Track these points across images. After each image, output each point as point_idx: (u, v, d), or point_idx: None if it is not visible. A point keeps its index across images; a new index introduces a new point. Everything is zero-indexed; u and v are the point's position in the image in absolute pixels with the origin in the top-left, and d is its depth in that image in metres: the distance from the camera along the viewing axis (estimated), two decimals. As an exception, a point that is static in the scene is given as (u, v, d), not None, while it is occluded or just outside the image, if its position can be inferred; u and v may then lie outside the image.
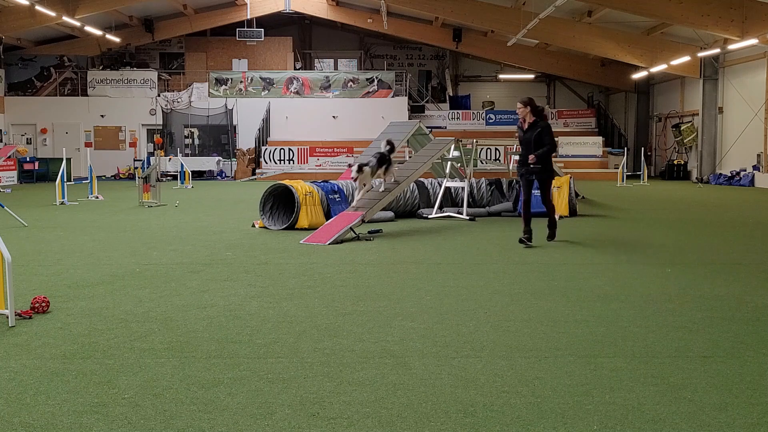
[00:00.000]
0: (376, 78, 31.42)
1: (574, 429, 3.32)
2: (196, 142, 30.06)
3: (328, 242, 9.37)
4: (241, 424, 3.37)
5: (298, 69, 33.71)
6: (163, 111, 30.07)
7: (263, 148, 28.93)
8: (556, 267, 7.73)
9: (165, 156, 27.18)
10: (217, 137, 30.08)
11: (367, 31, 33.93)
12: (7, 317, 5.05)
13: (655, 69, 26.83)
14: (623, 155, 26.80)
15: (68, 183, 18.58)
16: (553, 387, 3.87)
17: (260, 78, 31.17)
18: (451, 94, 35.73)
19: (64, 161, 16.89)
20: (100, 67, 31.81)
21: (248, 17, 30.96)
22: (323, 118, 30.56)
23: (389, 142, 11.19)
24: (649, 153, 31.64)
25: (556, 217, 12.76)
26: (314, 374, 4.07)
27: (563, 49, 30.83)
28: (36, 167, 26.72)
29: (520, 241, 9.23)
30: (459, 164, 14.12)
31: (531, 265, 7.88)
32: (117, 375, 4.05)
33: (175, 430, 3.31)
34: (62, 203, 15.88)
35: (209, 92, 30.73)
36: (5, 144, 28.32)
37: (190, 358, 4.37)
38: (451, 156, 13.44)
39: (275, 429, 3.32)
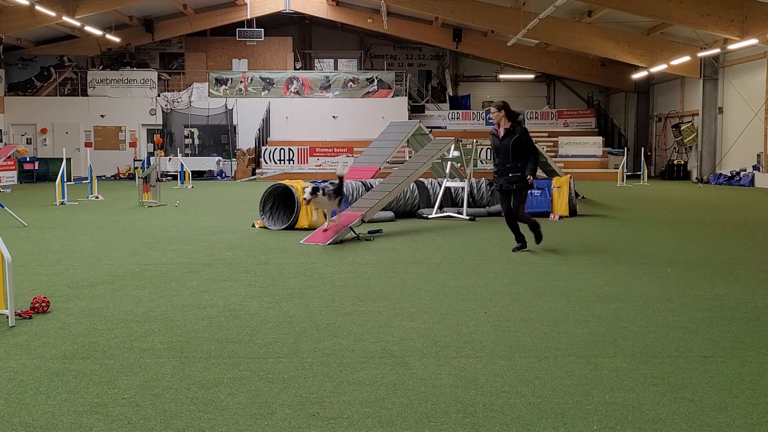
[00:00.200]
0: (376, 78, 31.42)
1: (574, 429, 3.32)
2: (196, 142, 30.05)
3: (328, 242, 9.37)
4: (241, 424, 3.37)
5: (298, 69, 33.71)
6: (163, 111, 30.07)
7: (263, 148, 28.93)
8: (556, 267, 7.73)
9: (165, 156, 27.18)
10: (217, 137, 30.08)
11: (367, 31, 33.93)
12: (7, 317, 5.05)
13: (655, 69, 26.83)
14: (623, 155, 26.80)
15: (68, 183, 18.58)
16: (553, 387, 3.87)
17: (260, 78, 31.17)
18: (451, 94, 35.72)
19: (64, 161, 16.89)
20: (100, 67, 31.81)
21: (248, 17, 30.96)
22: (323, 118, 30.56)
23: (340, 179, 9.97)
24: (649, 153, 31.64)
25: (554, 217, 12.80)
26: (314, 374, 4.07)
27: (563, 49, 30.82)
28: (36, 167, 26.71)
29: (514, 250, 8.75)
30: (459, 164, 14.13)
31: (531, 265, 7.88)
32: (117, 375, 4.05)
33: (175, 430, 3.31)
34: (62, 203, 15.88)
35: (209, 92, 30.72)
36: (5, 144, 28.32)
37: (190, 358, 4.37)
38: (451, 156, 13.44)
39: (275, 429, 3.32)
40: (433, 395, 3.74)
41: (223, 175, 28.92)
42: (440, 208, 12.96)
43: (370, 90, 31.25)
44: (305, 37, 36.82)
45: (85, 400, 3.65)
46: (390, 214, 12.33)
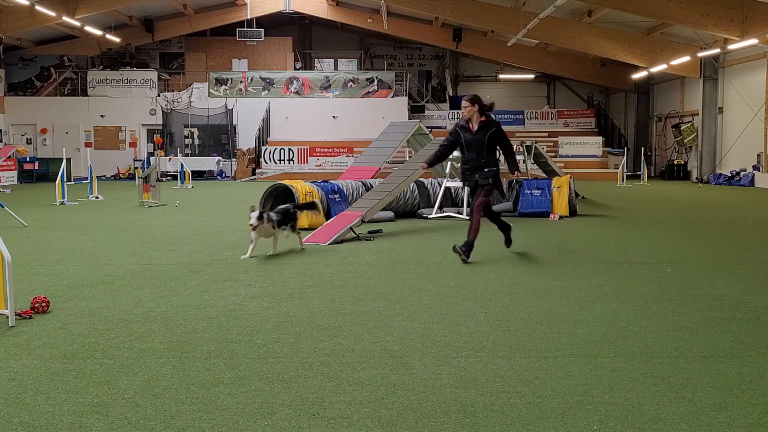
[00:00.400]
0: (376, 78, 31.43)
1: (574, 429, 3.32)
2: (196, 142, 30.07)
3: (328, 242, 9.37)
4: (241, 424, 3.37)
5: (298, 69, 33.71)
6: (163, 111, 30.08)
7: (263, 148, 28.94)
8: (556, 267, 7.73)
9: (165, 156, 27.19)
10: (217, 137, 30.09)
11: (367, 31, 33.94)
12: (7, 317, 5.05)
13: (655, 69, 26.83)
14: (623, 155, 26.81)
15: (68, 183, 18.59)
16: (553, 387, 3.87)
17: (260, 78, 31.18)
18: (451, 94, 35.73)
19: (64, 161, 16.89)
20: (100, 67, 31.82)
21: (248, 17, 30.98)
22: (323, 118, 30.57)
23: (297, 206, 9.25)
24: (649, 153, 31.66)
25: (554, 217, 12.79)
26: (314, 374, 4.07)
27: (563, 49, 30.83)
28: (36, 167, 26.73)
29: (507, 244, 8.66)
30: (459, 164, 14.12)
31: (531, 265, 7.88)
32: (117, 375, 4.05)
33: (175, 430, 3.31)
34: (62, 203, 15.88)
35: (209, 92, 30.73)
36: (5, 144, 28.33)
37: (190, 358, 4.37)
38: (451, 156, 13.42)
39: (275, 429, 3.32)
40: (433, 395, 3.74)
41: (223, 175, 28.93)
42: (440, 208, 12.96)
43: (370, 90, 31.26)
44: (305, 37, 36.82)
45: (85, 400, 3.65)
46: (390, 214, 12.33)
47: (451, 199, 13.65)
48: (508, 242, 8.74)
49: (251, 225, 8.20)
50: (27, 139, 30.50)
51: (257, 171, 28.57)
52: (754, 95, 24.20)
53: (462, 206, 13.00)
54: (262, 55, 33.53)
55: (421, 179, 13.54)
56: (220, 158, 29.40)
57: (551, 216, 12.86)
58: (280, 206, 8.91)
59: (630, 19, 24.78)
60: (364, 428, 3.33)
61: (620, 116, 34.87)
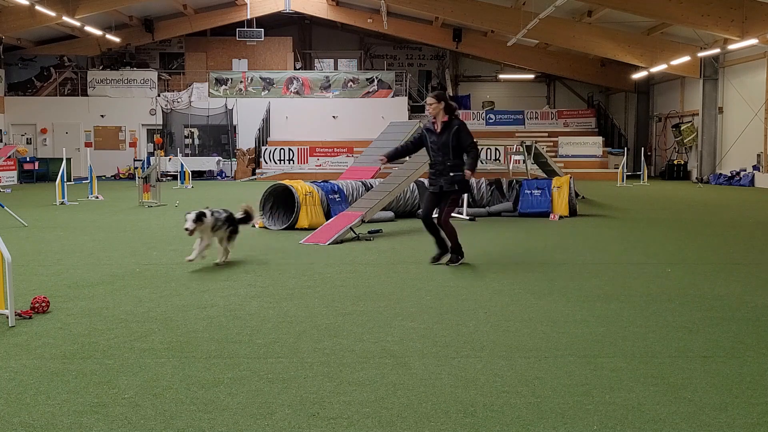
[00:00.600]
0: (376, 78, 31.43)
1: (574, 429, 3.32)
2: (196, 142, 30.07)
3: (328, 242, 9.37)
4: (241, 424, 3.37)
5: (298, 69, 33.71)
6: (163, 111, 30.07)
7: (263, 148, 28.94)
8: (556, 267, 7.73)
9: (165, 156, 27.19)
10: (217, 137, 30.09)
11: (367, 31, 33.93)
12: (7, 317, 5.05)
13: (655, 69, 26.83)
14: (623, 155, 26.81)
15: (68, 183, 18.59)
16: (553, 387, 3.87)
17: (260, 78, 31.18)
18: (451, 94, 35.73)
19: (64, 161, 16.89)
20: (100, 67, 31.81)
21: (248, 17, 30.97)
22: (323, 118, 30.57)
23: (246, 211, 8.30)
24: (649, 153, 31.65)
25: (554, 217, 12.79)
26: (314, 374, 4.07)
27: (563, 49, 30.83)
28: (36, 167, 26.72)
29: (433, 261, 7.76)
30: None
31: (531, 265, 7.88)
32: (117, 375, 4.05)
33: (175, 430, 3.31)
34: (62, 203, 15.88)
35: (209, 92, 30.73)
36: (5, 144, 28.32)
37: (190, 358, 4.37)
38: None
39: (275, 429, 3.32)
40: (433, 395, 3.74)
41: (223, 175, 28.93)
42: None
43: (370, 90, 31.25)
44: (305, 37, 36.82)
45: (85, 400, 3.65)
46: (390, 214, 12.33)
47: (451, 199, 13.64)
48: (436, 259, 7.80)
49: (186, 229, 7.26)
50: (27, 139, 30.50)
51: (257, 171, 28.56)
52: (754, 95, 24.20)
53: (462, 206, 12.99)
54: (262, 55, 33.53)
55: (421, 179, 13.52)
56: (220, 158, 29.40)
57: (551, 216, 12.86)
58: (224, 211, 7.90)
59: (630, 19, 24.78)
60: (364, 428, 3.33)
61: (620, 116, 34.86)
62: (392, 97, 31.08)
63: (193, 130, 30.05)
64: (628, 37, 26.77)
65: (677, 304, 5.87)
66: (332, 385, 3.90)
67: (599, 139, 30.97)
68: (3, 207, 11.54)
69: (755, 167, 24.23)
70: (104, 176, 28.92)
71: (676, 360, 4.36)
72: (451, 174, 7.51)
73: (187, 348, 4.59)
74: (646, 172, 26.64)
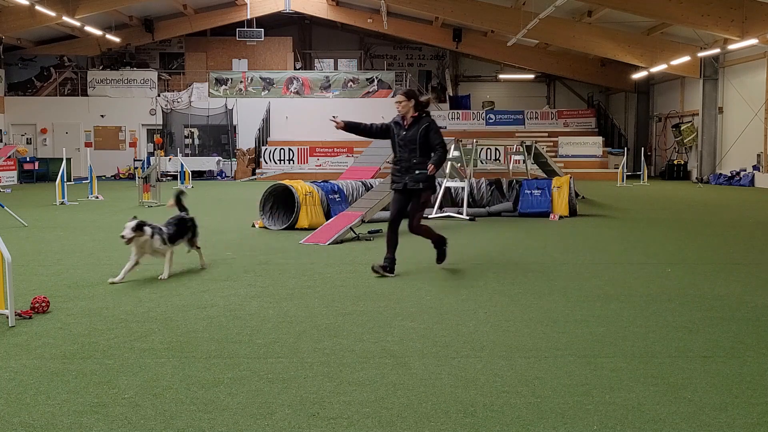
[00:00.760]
0: (376, 78, 31.44)
1: (574, 429, 3.32)
2: (196, 142, 30.07)
3: (328, 242, 9.37)
4: (241, 424, 3.37)
5: (298, 69, 33.71)
6: (163, 111, 30.08)
7: (263, 148, 28.94)
8: (556, 267, 7.73)
9: (165, 156, 27.19)
10: (217, 137, 30.10)
11: (367, 31, 33.93)
12: (7, 317, 5.05)
13: (655, 69, 26.83)
14: (623, 155, 26.81)
15: (68, 183, 18.59)
16: (553, 387, 3.87)
17: (260, 78, 31.19)
18: (451, 94, 35.72)
19: (64, 161, 16.90)
20: (100, 67, 31.82)
21: (248, 17, 30.98)
22: (323, 118, 30.47)
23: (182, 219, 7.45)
24: (649, 153, 31.66)
25: (554, 217, 12.80)
26: (314, 374, 4.07)
27: (563, 49, 30.82)
28: (36, 167, 26.73)
29: (375, 270, 7.19)
30: (459, 164, 14.13)
31: (531, 265, 7.88)
32: (117, 375, 4.05)
33: (175, 430, 3.31)
34: (62, 203, 15.88)
35: (209, 92, 30.74)
36: (5, 144, 28.33)
37: (190, 358, 4.37)
38: (451, 156, 13.43)
39: (275, 429, 3.32)
40: (433, 395, 3.74)
41: (223, 175, 28.93)
42: (440, 208, 12.96)
43: (370, 90, 31.26)
44: (305, 37, 36.82)
45: (85, 400, 3.65)
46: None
47: (451, 199, 13.65)
48: (383, 268, 7.26)
49: (123, 237, 6.62)
50: (27, 139, 30.50)
51: (257, 171, 28.57)
52: (754, 95, 24.20)
53: (462, 206, 12.99)
54: (262, 55, 33.53)
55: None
56: (220, 158, 29.41)
57: (551, 216, 12.86)
58: (174, 216, 7.34)
59: (630, 19, 24.78)
60: (364, 428, 3.33)
61: (620, 116, 34.86)
62: (392, 97, 31.05)
63: (193, 130, 30.06)
64: (628, 37, 26.77)
65: (677, 304, 5.87)
66: (332, 385, 3.90)
67: (599, 139, 30.97)
68: (3, 207, 11.54)
69: (755, 167, 24.23)
70: (104, 176, 28.93)
71: (676, 360, 4.36)
72: (417, 172, 7.17)
73: (187, 348, 4.59)
74: (646, 172, 26.65)
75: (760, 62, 23.83)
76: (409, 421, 3.41)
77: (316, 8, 31.26)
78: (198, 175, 27.58)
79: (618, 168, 25.58)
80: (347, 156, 27.91)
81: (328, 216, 11.23)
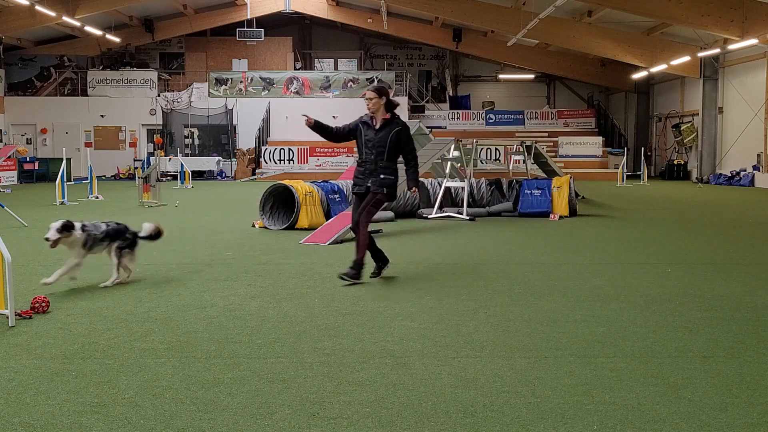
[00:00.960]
0: (376, 78, 31.42)
1: (574, 429, 3.32)
2: (196, 142, 30.07)
3: (328, 242, 9.37)
4: (241, 424, 3.37)
5: (298, 69, 33.71)
6: (163, 111, 30.08)
7: (263, 148, 28.94)
8: (556, 267, 7.73)
9: (165, 156, 27.19)
10: (217, 137, 30.10)
11: (367, 31, 33.93)
12: (7, 317, 5.05)
13: (655, 69, 26.83)
14: (623, 155, 26.82)
15: (68, 183, 18.59)
16: (553, 387, 3.87)
17: (260, 78, 31.18)
18: (451, 94, 35.73)
19: (64, 161, 16.90)
20: (100, 67, 31.82)
21: (248, 17, 30.97)
22: (323, 118, 30.14)
23: (156, 230, 6.94)
24: (649, 153, 31.66)
25: (554, 217, 12.79)
26: (314, 374, 4.07)
27: (563, 49, 30.83)
28: (36, 167, 26.73)
29: (373, 275, 6.89)
30: (459, 164, 14.13)
31: (531, 265, 7.88)
32: (117, 375, 4.05)
33: (175, 430, 3.31)
34: (62, 203, 15.88)
35: (209, 92, 30.73)
36: (5, 144, 28.32)
37: (190, 358, 4.37)
38: (451, 156, 13.43)
39: (275, 429, 3.32)
40: (433, 395, 3.74)
41: (223, 175, 28.93)
42: (440, 208, 12.96)
43: (370, 90, 31.21)
44: (305, 37, 36.82)
45: (85, 400, 3.65)
46: (390, 214, 12.33)
47: (451, 199, 13.65)
48: (376, 275, 7.06)
49: (47, 239, 6.12)
50: (27, 139, 30.50)
51: (257, 171, 28.57)
52: (754, 95, 24.20)
53: (462, 206, 12.99)
54: (262, 55, 33.53)
55: (421, 179, 13.53)
56: (220, 158, 29.41)
57: (551, 216, 12.86)
58: (116, 225, 6.71)
59: (630, 19, 24.78)
60: (364, 428, 3.33)
61: (620, 116, 34.87)
62: (392, 97, 31.06)
63: (193, 130, 30.06)
64: (628, 37, 26.77)
65: (677, 304, 5.87)
66: (332, 385, 3.90)
67: (599, 139, 30.98)
68: (3, 207, 11.54)
69: (755, 167, 24.23)
70: (104, 176, 28.92)
71: (676, 360, 4.36)
72: (382, 176, 6.76)
73: (187, 348, 4.59)
74: (646, 172, 26.65)
75: (760, 62, 23.83)
76: (409, 421, 3.41)
77: (316, 8, 31.26)
78: (198, 175, 27.58)
79: (618, 168, 25.58)
80: (347, 156, 27.90)
81: (328, 216, 11.23)
